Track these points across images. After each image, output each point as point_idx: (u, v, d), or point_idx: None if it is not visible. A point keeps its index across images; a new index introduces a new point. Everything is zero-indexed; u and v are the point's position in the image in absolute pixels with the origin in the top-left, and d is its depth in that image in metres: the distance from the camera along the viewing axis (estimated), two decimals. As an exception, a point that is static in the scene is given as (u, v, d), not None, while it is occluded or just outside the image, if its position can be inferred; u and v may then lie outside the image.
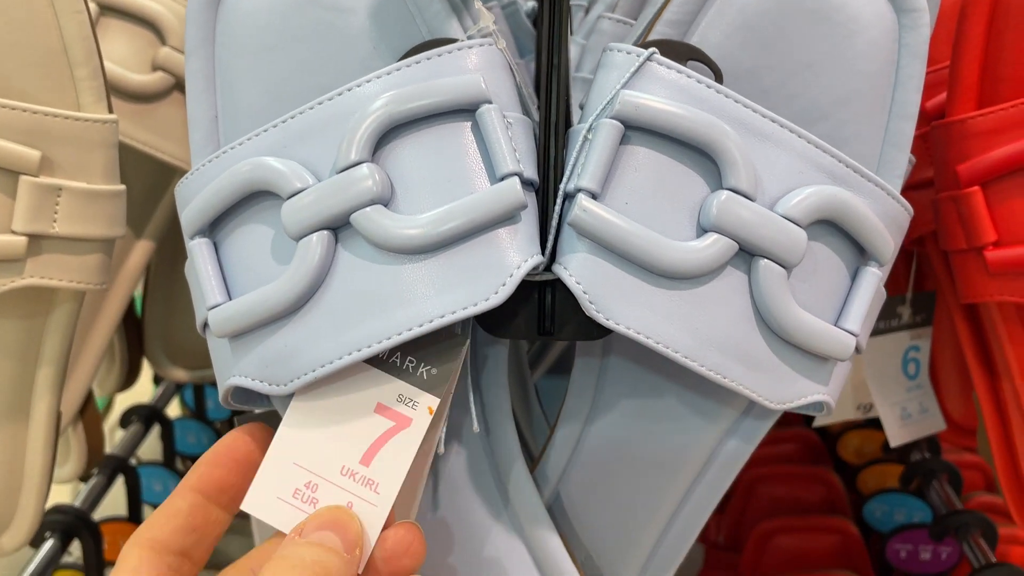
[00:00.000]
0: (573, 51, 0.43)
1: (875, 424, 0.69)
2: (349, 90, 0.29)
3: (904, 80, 0.32)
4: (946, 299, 0.45)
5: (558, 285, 0.29)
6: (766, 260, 0.28)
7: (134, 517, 0.69)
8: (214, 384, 0.74)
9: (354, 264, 0.28)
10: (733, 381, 0.29)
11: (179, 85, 0.49)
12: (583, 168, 0.28)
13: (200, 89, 0.32)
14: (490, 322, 0.29)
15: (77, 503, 0.61)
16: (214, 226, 0.30)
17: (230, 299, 0.29)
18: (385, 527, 0.28)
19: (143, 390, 0.78)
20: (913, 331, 0.48)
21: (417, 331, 0.27)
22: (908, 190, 0.44)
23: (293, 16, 0.31)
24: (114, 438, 0.74)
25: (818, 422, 0.52)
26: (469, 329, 0.30)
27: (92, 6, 0.47)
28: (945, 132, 0.38)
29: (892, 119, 0.32)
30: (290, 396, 0.32)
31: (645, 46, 0.29)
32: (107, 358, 0.64)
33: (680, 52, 0.30)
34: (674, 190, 0.28)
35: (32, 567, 0.53)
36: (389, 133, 0.28)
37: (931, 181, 0.41)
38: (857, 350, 0.32)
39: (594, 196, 0.28)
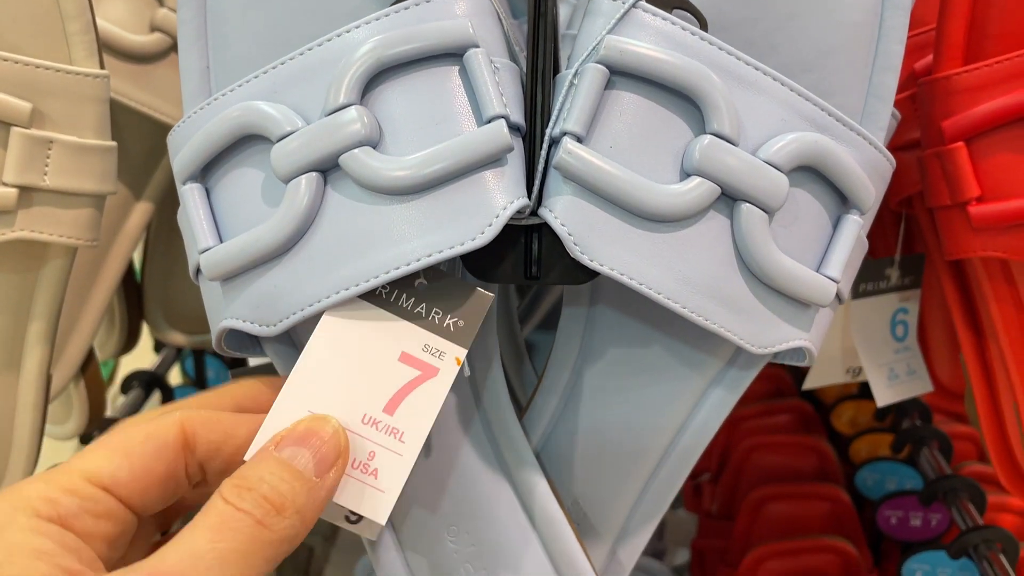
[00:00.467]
0: (564, 10, 0.43)
1: (868, 395, 0.70)
2: (338, 35, 0.29)
3: (887, 32, 0.32)
4: (934, 261, 0.46)
5: (544, 230, 0.29)
6: (748, 204, 0.29)
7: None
8: (213, 351, 0.75)
9: (342, 205, 0.28)
10: (715, 324, 0.29)
11: (177, 46, 0.49)
12: (568, 112, 0.29)
13: (192, 39, 0.33)
14: (477, 266, 0.30)
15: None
16: (206, 172, 0.31)
17: (221, 243, 0.30)
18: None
19: (144, 358, 0.79)
20: (901, 293, 0.48)
21: (404, 270, 0.27)
22: (896, 150, 0.44)
23: (284, -35, 0.31)
24: (116, 405, 0.75)
25: (809, 384, 0.53)
26: (496, 287, 0.30)
27: (90, -33, 0.48)
28: (930, 89, 0.38)
29: (875, 71, 0.33)
30: (284, 344, 0.33)
31: (631, -6, 0.30)
32: (107, 322, 0.64)
33: (666, 1, 0.30)
34: (658, 135, 0.29)
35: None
36: (377, 77, 0.29)
37: (919, 142, 0.42)
38: (839, 298, 0.32)
39: (579, 140, 0.28)
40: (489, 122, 0.28)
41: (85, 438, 0.64)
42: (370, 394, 0.28)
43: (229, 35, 0.32)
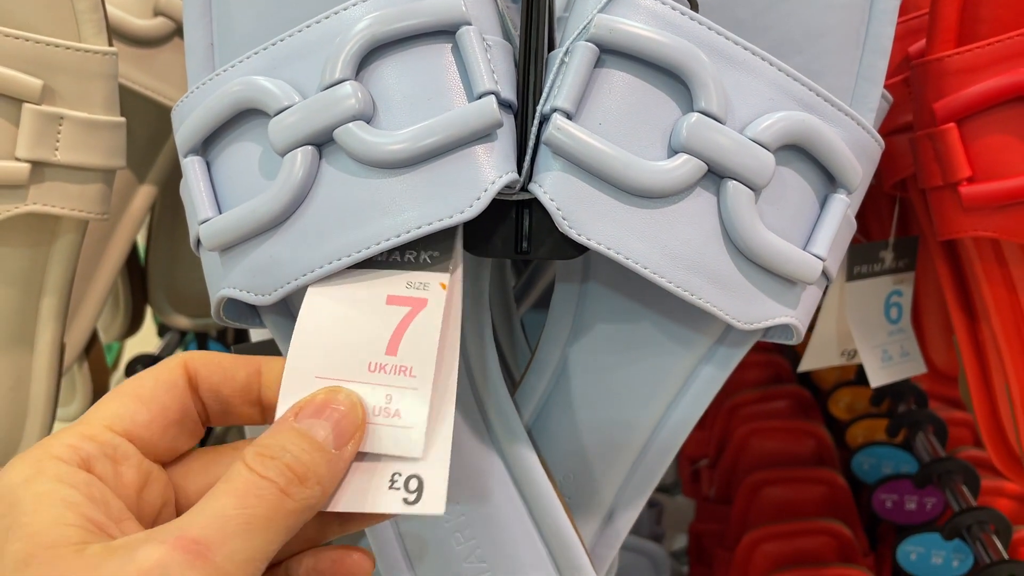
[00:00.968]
0: (562, -6, 0.44)
1: (865, 381, 0.71)
2: (335, 13, 0.30)
3: (878, 14, 0.33)
4: (928, 244, 0.46)
5: (535, 205, 0.30)
6: (734, 182, 0.29)
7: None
8: (216, 335, 0.76)
9: (336, 178, 0.29)
10: (701, 299, 0.30)
11: (180, 31, 0.50)
12: (558, 89, 0.29)
13: (196, 16, 0.33)
14: (469, 240, 0.30)
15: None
16: (206, 145, 0.32)
17: (221, 214, 0.30)
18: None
19: (148, 342, 0.79)
20: (896, 276, 0.49)
21: (395, 241, 0.28)
22: (889, 134, 0.45)
23: (284, -55, 0.32)
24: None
25: (804, 367, 0.53)
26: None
27: (96, -49, 0.49)
28: (923, 71, 0.39)
29: (866, 53, 0.33)
30: (281, 315, 0.33)
31: (622, -26, 0.30)
32: (112, 305, 0.65)
33: (656, -19, 0.31)
34: (647, 112, 0.29)
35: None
36: (372, 53, 0.29)
37: (912, 125, 0.42)
38: (826, 276, 0.33)
39: (569, 116, 0.29)
40: (480, 98, 0.29)
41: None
42: (370, 342, 0.28)
43: (233, 13, 0.33)
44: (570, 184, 0.29)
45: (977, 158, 0.37)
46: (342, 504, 0.27)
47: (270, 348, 0.41)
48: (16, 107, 0.35)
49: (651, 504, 0.81)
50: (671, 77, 0.30)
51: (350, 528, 0.29)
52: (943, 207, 0.39)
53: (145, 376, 0.27)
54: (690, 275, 0.30)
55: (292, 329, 0.33)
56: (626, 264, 0.29)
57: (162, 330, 0.82)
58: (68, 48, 0.36)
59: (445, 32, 0.29)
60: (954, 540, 0.54)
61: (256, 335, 0.49)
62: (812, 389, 0.79)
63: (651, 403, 0.36)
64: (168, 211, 0.63)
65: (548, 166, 0.29)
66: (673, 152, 0.29)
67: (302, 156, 0.29)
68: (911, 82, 0.40)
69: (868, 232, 0.54)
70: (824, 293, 0.35)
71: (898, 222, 0.49)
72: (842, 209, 0.32)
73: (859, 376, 0.74)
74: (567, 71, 0.29)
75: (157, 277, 0.64)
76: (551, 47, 0.32)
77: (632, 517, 0.37)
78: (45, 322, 0.41)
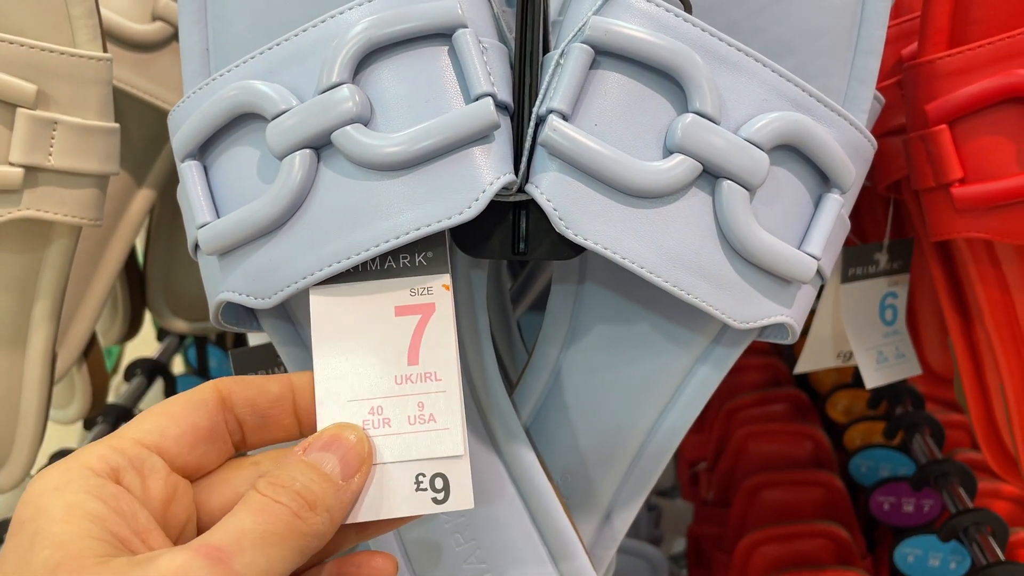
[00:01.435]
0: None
1: (862, 384, 0.71)
2: (332, 17, 0.30)
3: (869, 16, 0.33)
4: (922, 246, 0.47)
5: (532, 207, 0.30)
6: (729, 181, 0.30)
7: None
8: (215, 338, 0.76)
9: (335, 181, 0.29)
10: (696, 298, 0.30)
11: (178, 35, 0.50)
12: (554, 91, 0.29)
13: (192, 21, 0.33)
14: (467, 242, 0.31)
15: (81, 449, 0.63)
16: (204, 150, 0.32)
17: (219, 218, 0.30)
18: None
19: (148, 347, 0.80)
20: (890, 278, 0.49)
21: (393, 243, 0.28)
22: (883, 136, 0.45)
23: (280, -50, 0.32)
24: (119, 392, 0.76)
25: (800, 368, 0.54)
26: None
27: (93, -43, 0.49)
28: (915, 73, 0.39)
29: (858, 54, 0.34)
30: (280, 318, 0.34)
31: (617, -23, 0.30)
32: (111, 308, 0.65)
33: (650, -17, 0.31)
34: (642, 113, 0.30)
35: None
36: (369, 56, 0.29)
37: (905, 128, 0.42)
38: (821, 276, 0.33)
39: (565, 117, 0.29)
40: (476, 100, 0.29)
41: (88, 423, 0.65)
42: (391, 357, 0.29)
43: (228, 17, 0.33)
44: (567, 185, 0.29)
45: (969, 159, 0.37)
46: (375, 512, 0.28)
47: (268, 352, 0.41)
48: (10, 111, 0.35)
49: (650, 507, 0.81)
50: (665, 78, 0.30)
51: (368, 535, 0.30)
52: (936, 208, 0.39)
53: (177, 396, 0.29)
54: (686, 274, 0.30)
55: (290, 331, 0.33)
56: (623, 264, 0.29)
57: (161, 334, 0.82)
58: (63, 53, 0.36)
59: (441, 35, 0.29)
60: (951, 542, 0.54)
61: (254, 339, 0.49)
62: (810, 392, 0.80)
63: (648, 403, 0.36)
64: (166, 215, 0.63)
65: (545, 167, 0.29)
66: (668, 152, 0.30)
67: (300, 159, 0.29)
68: (903, 84, 0.40)
69: (864, 234, 0.54)
70: (819, 295, 0.35)
71: (892, 224, 0.49)
72: (836, 208, 0.32)
73: (856, 379, 0.74)
74: (563, 73, 0.29)
75: (156, 281, 0.64)
76: (546, 49, 0.32)
77: (630, 517, 0.38)
78: (38, 327, 0.41)
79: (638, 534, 0.75)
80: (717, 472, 0.78)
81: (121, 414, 0.68)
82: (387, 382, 0.29)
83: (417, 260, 0.30)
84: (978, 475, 0.60)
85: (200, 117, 0.31)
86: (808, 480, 0.68)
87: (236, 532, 0.25)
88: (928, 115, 0.38)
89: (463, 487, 0.28)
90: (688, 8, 0.31)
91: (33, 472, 0.47)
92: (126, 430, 0.27)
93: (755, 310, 0.31)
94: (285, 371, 0.38)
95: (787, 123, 0.30)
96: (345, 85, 0.29)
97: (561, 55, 0.30)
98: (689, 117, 0.29)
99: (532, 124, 0.30)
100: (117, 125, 0.39)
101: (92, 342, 0.55)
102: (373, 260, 0.30)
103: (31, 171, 0.36)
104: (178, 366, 0.90)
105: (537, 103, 0.30)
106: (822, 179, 0.32)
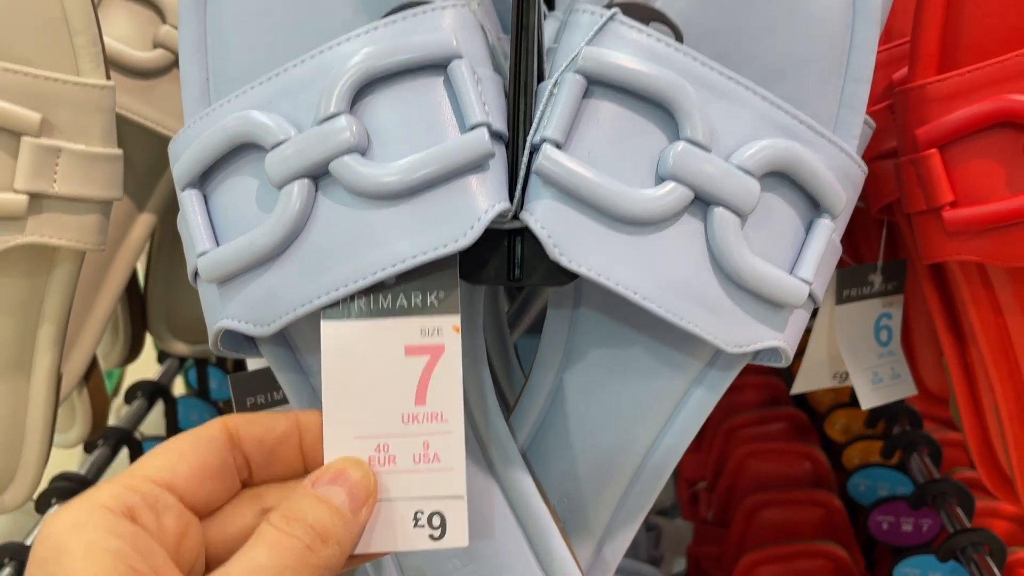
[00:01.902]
0: (553, 26, 0.45)
1: (861, 402, 0.71)
2: (330, 48, 0.31)
3: (858, 44, 0.34)
4: (916, 266, 0.47)
5: (527, 234, 0.31)
6: (721, 208, 0.30)
7: (137, 488, 0.71)
8: (215, 361, 0.76)
9: (332, 210, 0.29)
10: (690, 323, 0.30)
11: (179, 62, 0.51)
12: (548, 120, 0.30)
13: (192, 51, 0.34)
14: (463, 268, 0.31)
15: (83, 472, 0.64)
16: (204, 179, 0.32)
17: (218, 246, 0.31)
18: None
19: (148, 369, 0.80)
20: (885, 299, 0.49)
21: (391, 271, 0.29)
22: (876, 159, 0.46)
23: (279, -18, 0.33)
24: (120, 414, 0.76)
25: (796, 389, 0.54)
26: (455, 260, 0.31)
27: (96, -14, 0.50)
28: (905, 97, 0.39)
29: (847, 82, 0.34)
30: (279, 345, 0.34)
31: (610, 7, 0.31)
32: (111, 332, 0.66)
33: (643, 14, 0.31)
34: (634, 142, 0.30)
35: (38, 531, 0.55)
36: (366, 87, 0.30)
37: (896, 151, 0.43)
38: (813, 299, 0.34)
39: (558, 146, 0.30)
40: (471, 129, 0.29)
41: (88, 446, 0.65)
42: (399, 396, 0.30)
43: (227, 48, 0.33)
44: (561, 213, 0.29)
45: (959, 183, 0.38)
46: (372, 546, 0.29)
47: (267, 376, 0.42)
48: (15, 140, 0.36)
49: (649, 527, 0.81)
50: (657, 107, 0.30)
51: (356, 563, 0.31)
52: (927, 231, 0.40)
53: (186, 433, 0.29)
54: (679, 300, 0.30)
55: (289, 359, 0.34)
56: (617, 291, 0.30)
57: (161, 356, 0.82)
58: (66, 82, 0.36)
59: (437, 66, 0.30)
60: (949, 562, 0.54)
61: (253, 363, 0.49)
62: (808, 411, 0.80)
63: (644, 426, 0.36)
64: (167, 238, 0.64)
65: (539, 195, 0.30)
66: (660, 180, 0.30)
67: (298, 188, 0.29)
68: (894, 108, 0.41)
69: (859, 254, 0.54)
70: (814, 316, 0.35)
71: (886, 246, 0.49)
72: (827, 234, 0.33)
73: (854, 398, 0.74)
74: (556, 102, 0.30)
75: (156, 304, 0.65)
76: (540, 78, 0.33)
77: (627, 539, 0.38)
78: (43, 350, 0.42)
79: (638, 554, 0.75)
80: (716, 492, 0.78)
81: (122, 437, 0.68)
82: (394, 421, 0.29)
83: (429, 300, 0.30)
84: (976, 494, 0.60)
85: (200, 147, 0.31)
86: (807, 500, 0.68)
87: (252, 567, 0.25)
88: (918, 139, 0.38)
89: (459, 526, 0.29)
90: (679, 37, 0.32)
91: (35, 495, 0.47)
92: (138, 468, 0.28)
93: (748, 335, 0.32)
94: (283, 395, 0.38)
95: (778, 150, 0.31)
96: (342, 115, 0.29)
97: (555, 84, 0.30)
98: (681, 145, 0.30)
99: (526, 152, 0.30)
100: (120, 151, 0.39)
101: (93, 366, 0.56)
102: (385, 297, 0.30)
103: (35, 198, 0.37)
104: (179, 387, 0.90)
105: (531, 132, 0.30)
106: (813, 205, 0.33)
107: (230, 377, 0.41)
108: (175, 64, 0.51)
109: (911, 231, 0.44)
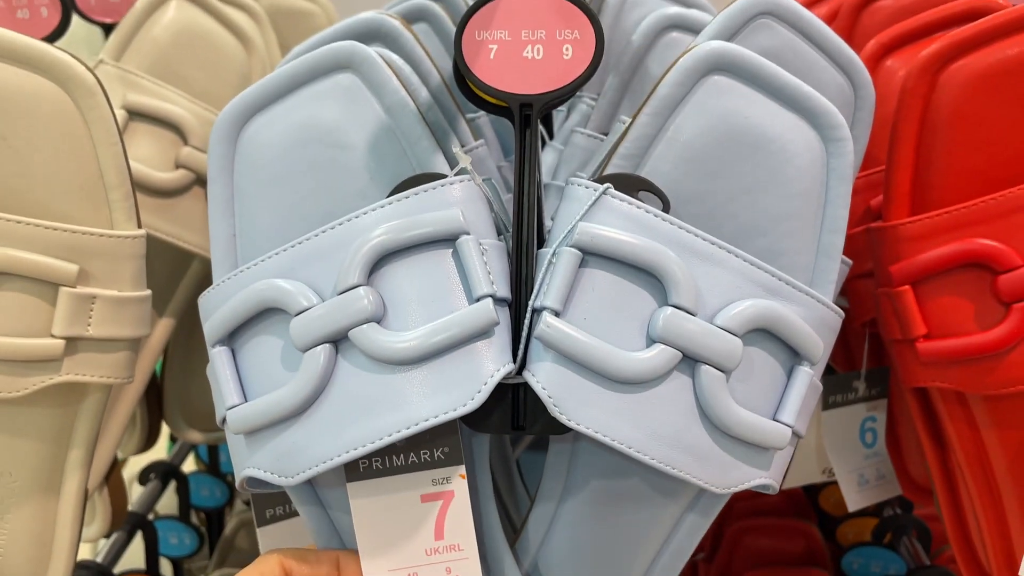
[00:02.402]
0: (551, 157, 0.48)
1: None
2: (349, 220, 0.34)
3: (833, 199, 0.37)
4: (898, 375, 0.50)
5: (529, 387, 0.33)
6: (706, 366, 0.33)
7: (152, 569, 0.73)
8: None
9: (352, 373, 0.32)
10: (680, 471, 0.33)
11: (200, 180, 0.54)
12: (547, 289, 0.33)
13: (220, 211, 0.37)
14: (471, 419, 0.34)
15: (99, 559, 0.66)
16: (232, 335, 0.35)
17: (246, 400, 0.34)
18: None
19: (159, 445, 0.82)
20: (869, 403, 0.52)
21: (405, 432, 0.31)
22: (858, 278, 0.48)
23: (301, 152, 0.36)
24: (132, 497, 0.78)
25: (788, 484, 0.56)
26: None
27: (121, 112, 0.53)
28: (880, 235, 0.42)
29: (824, 233, 0.37)
30: (305, 491, 0.37)
31: (602, 180, 0.34)
32: (129, 422, 0.68)
33: (632, 184, 0.34)
34: (626, 306, 0.33)
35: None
36: (383, 258, 0.33)
37: (876, 271, 0.46)
38: (796, 436, 0.36)
39: (557, 313, 0.32)
40: (478, 300, 0.32)
41: (107, 534, 0.67)
42: (420, 534, 0.34)
43: (252, 209, 0.36)
44: (560, 374, 0.32)
45: (932, 317, 0.41)
46: None
47: (282, 497, 0.44)
48: (53, 290, 0.39)
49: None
50: (647, 274, 0.33)
51: None
52: (904, 359, 0.42)
53: (248, 569, 0.33)
54: (670, 451, 0.33)
55: (310, 494, 0.37)
56: (612, 445, 0.32)
57: (174, 435, 0.85)
58: (102, 235, 0.39)
59: (446, 240, 0.33)
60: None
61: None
62: (804, 485, 0.82)
63: (641, 550, 0.39)
64: (183, 332, 0.66)
65: (540, 357, 0.33)
66: (651, 341, 0.33)
67: (321, 352, 0.32)
68: (870, 244, 0.44)
69: (852, 358, 0.56)
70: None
71: (870, 353, 0.52)
72: (807, 380, 0.35)
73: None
74: (555, 273, 0.33)
75: (172, 396, 0.67)
76: (540, 238, 0.36)
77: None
78: (71, 472, 0.44)
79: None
80: (715, 564, 0.80)
81: (137, 521, 0.71)
82: (419, 553, 0.34)
83: (436, 455, 0.34)
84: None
85: (230, 309, 0.34)
86: (802, 578, 0.70)
87: None
88: (892, 276, 0.41)
89: None
90: (666, 203, 0.35)
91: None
92: None
93: (736, 476, 0.34)
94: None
95: (758, 310, 0.34)
96: (361, 287, 0.32)
97: (553, 255, 0.33)
98: (668, 310, 0.33)
99: (528, 315, 0.33)
100: (148, 292, 0.42)
101: (112, 464, 0.58)
102: (398, 455, 0.34)
103: (71, 341, 0.39)
104: (190, 462, 0.92)
105: (533, 297, 0.33)
106: (793, 353, 0.35)
107: (252, 496, 0.44)
108: (196, 183, 0.54)
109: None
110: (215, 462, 0.89)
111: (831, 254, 0.37)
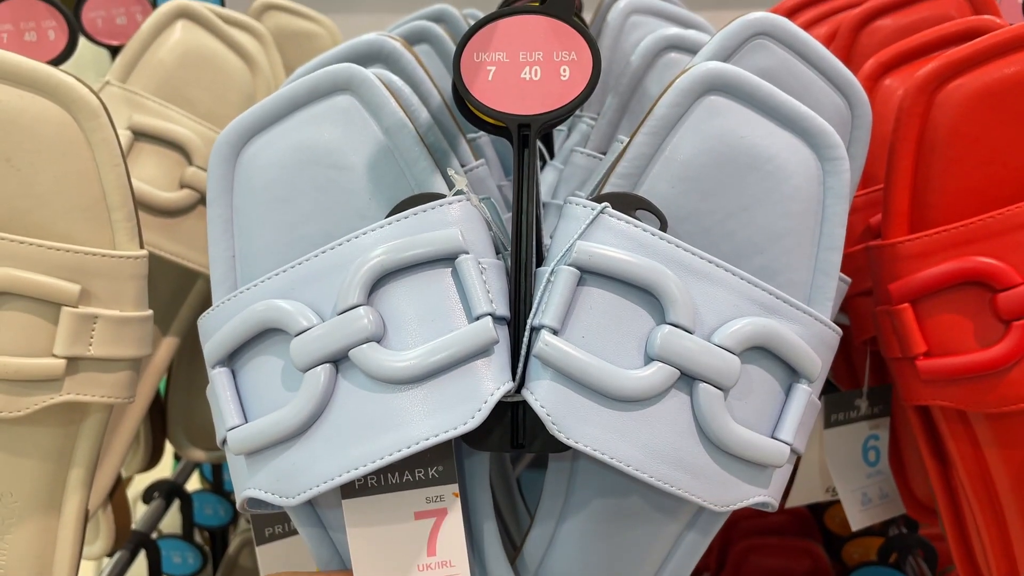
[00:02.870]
0: (551, 176, 0.48)
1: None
2: (348, 241, 0.34)
3: (830, 217, 0.37)
4: (900, 393, 0.49)
5: (528, 406, 0.33)
6: (705, 384, 0.33)
7: (155, 589, 0.73)
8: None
9: (352, 393, 0.32)
10: (679, 489, 0.33)
11: (203, 200, 0.54)
12: (546, 307, 0.33)
13: (220, 232, 0.37)
14: (471, 437, 0.34)
15: (102, 579, 0.66)
16: (232, 356, 0.35)
17: (246, 421, 0.34)
18: None
19: (164, 463, 0.82)
20: (871, 421, 0.52)
21: (405, 452, 0.31)
22: (858, 296, 0.48)
23: (300, 173, 0.36)
24: (137, 516, 0.78)
25: (791, 503, 0.56)
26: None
27: (126, 133, 0.53)
28: (879, 254, 0.42)
29: (821, 250, 0.37)
30: (305, 510, 0.37)
31: (599, 199, 0.34)
32: (133, 441, 0.68)
33: (629, 203, 0.35)
34: (624, 325, 0.33)
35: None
36: (382, 278, 0.33)
37: (877, 289, 0.46)
38: (795, 453, 0.36)
39: (555, 332, 0.33)
40: (477, 319, 0.32)
41: (110, 552, 0.67)
42: (413, 550, 0.34)
43: (252, 229, 0.37)
44: (558, 393, 0.32)
45: (931, 335, 0.41)
46: None
47: (282, 518, 0.44)
48: (55, 309, 0.39)
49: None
50: (644, 292, 0.33)
51: None
52: (905, 377, 0.42)
53: None
54: (669, 469, 0.33)
55: (310, 514, 0.37)
56: (610, 463, 0.32)
57: (177, 454, 0.85)
58: (104, 255, 0.39)
59: (445, 259, 0.33)
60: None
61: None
62: (809, 504, 0.81)
63: (640, 568, 0.39)
64: (187, 350, 0.67)
65: (539, 375, 0.33)
66: (649, 359, 0.33)
67: (321, 372, 0.32)
68: (870, 263, 0.44)
69: (855, 375, 0.56)
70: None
71: (872, 370, 0.52)
72: (805, 398, 0.35)
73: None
74: (553, 291, 0.33)
75: (176, 415, 0.68)
76: (539, 256, 0.36)
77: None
78: (72, 491, 0.44)
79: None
80: (720, 585, 0.79)
81: (141, 540, 0.71)
82: (412, 570, 0.34)
83: (430, 474, 0.34)
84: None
85: (230, 330, 0.34)
86: (808, 598, 0.70)
87: None
88: (892, 294, 0.41)
89: None
90: (663, 221, 0.35)
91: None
92: None
93: (734, 494, 0.34)
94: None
95: (756, 328, 0.34)
96: (361, 307, 0.32)
97: (552, 273, 0.33)
98: (666, 328, 0.33)
99: (527, 333, 0.33)
100: (150, 312, 0.42)
101: (116, 482, 0.58)
102: (393, 474, 0.34)
103: (72, 361, 0.39)
104: (194, 480, 0.92)
105: (531, 315, 0.33)
106: (791, 371, 0.35)
107: (251, 515, 0.44)
108: (200, 202, 0.55)
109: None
110: (219, 481, 0.89)
111: (828, 272, 0.37)
